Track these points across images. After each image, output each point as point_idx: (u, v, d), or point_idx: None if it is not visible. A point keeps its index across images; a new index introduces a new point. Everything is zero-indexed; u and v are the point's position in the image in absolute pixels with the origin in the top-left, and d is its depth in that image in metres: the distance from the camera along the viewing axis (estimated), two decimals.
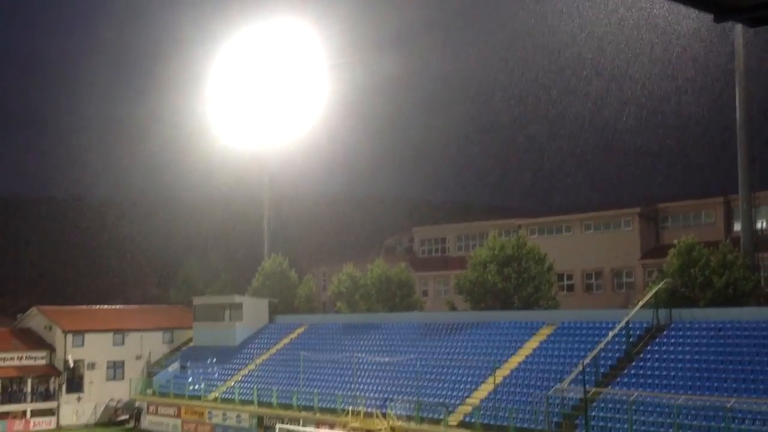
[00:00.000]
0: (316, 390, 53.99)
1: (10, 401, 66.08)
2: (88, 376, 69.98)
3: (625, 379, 41.40)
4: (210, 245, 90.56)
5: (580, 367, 41.34)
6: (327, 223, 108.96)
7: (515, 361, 48.08)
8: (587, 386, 40.20)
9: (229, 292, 76.55)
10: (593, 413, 39.48)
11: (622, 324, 44.43)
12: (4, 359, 67.18)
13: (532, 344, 49.06)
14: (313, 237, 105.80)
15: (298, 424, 50.65)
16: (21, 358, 68.13)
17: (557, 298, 61.51)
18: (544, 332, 49.70)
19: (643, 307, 45.54)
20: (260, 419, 55.59)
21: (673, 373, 40.60)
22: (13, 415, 65.43)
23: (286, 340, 65.78)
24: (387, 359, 53.68)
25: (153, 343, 74.00)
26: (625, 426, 37.69)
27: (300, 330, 66.57)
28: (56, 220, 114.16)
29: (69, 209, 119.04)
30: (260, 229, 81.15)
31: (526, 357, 47.94)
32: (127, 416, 68.71)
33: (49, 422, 66.60)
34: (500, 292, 58.89)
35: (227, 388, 61.55)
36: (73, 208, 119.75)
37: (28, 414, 66.06)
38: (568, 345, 46.90)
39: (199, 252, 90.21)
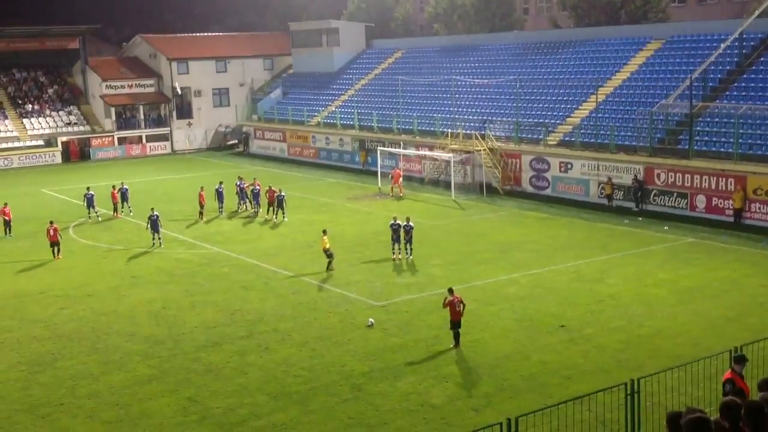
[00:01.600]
0: (415, 114, 54.44)
1: (125, 128, 69.68)
2: (195, 103, 72.54)
3: (735, 93, 39.76)
4: None
5: (687, 82, 39.85)
6: None
7: (619, 78, 46.66)
8: (694, 101, 38.97)
9: (326, 18, 75.64)
10: (698, 128, 38.59)
11: (736, 35, 41.90)
12: (114, 87, 69.96)
13: (638, 60, 47.21)
14: None
15: (399, 147, 51.76)
16: (131, 86, 70.77)
17: (667, 11, 58.20)
18: (652, 47, 47.54)
19: (759, 15, 42.57)
20: (362, 143, 57.03)
21: None
22: (130, 141, 69.29)
23: (384, 65, 65.56)
24: (486, 81, 53.07)
25: (254, 70, 75.29)
26: (731, 140, 36.83)
27: (397, 54, 65.97)
28: None
29: None
30: None
31: (631, 74, 46.36)
32: (236, 141, 71.76)
33: (164, 147, 70.37)
34: (607, 6, 56.10)
35: (328, 113, 62.79)
36: None
37: (144, 139, 69.79)
38: (676, 60, 44.88)
39: None
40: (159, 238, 35.24)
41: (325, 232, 30.88)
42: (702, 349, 20.65)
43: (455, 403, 18.56)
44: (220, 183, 42.76)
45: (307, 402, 18.86)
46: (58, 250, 33.83)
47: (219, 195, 41.95)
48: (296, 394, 19.34)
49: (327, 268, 30.19)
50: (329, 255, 30.22)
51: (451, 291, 22.33)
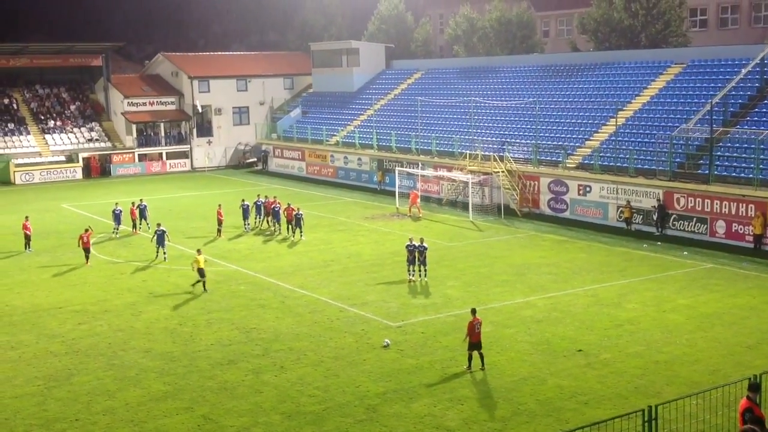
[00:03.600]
0: (433, 134, 54.53)
1: (146, 144, 70.20)
2: (215, 121, 73.05)
3: (755, 118, 39.57)
4: None
5: (708, 107, 39.71)
6: None
7: (639, 102, 46.57)
8: (714, 126, 38.80)
9: (346, 38, 76.07)
10: (718, 153, 38.39)
11: (757, 60, 41.78)
12: (136, 104, 70.59)
13: (658, 84, 47.13)
14: None
15: (417, 168, 51.80)
16: (152, 104, 71.38)
17: (688, 35, 58.09)
18: (672, 71, 47.44)
19: None
20: (380, 162, 57.13)
21: None
22: (151, 158, 69.77)
23: (403, 86, 65.80)
24: (505, 103, 53.11)
25: (274, 89, 75.75)
26: (752, 166, 36.59)
27: (417, 75, 66.21)
28: None
29: None
30: None
31: (651, 98, 46.28)
32: (255, 159, 72.11)
33: (183, 164, 70.81)
34: (627, 30, 56.07)
35: (347, 132, 63.00)
36: None
37: (164, 156, 70.25)
38: (696, 84, 44.76)
39: None
40: (164, 253, 35.62)
41: (199, 251, 31.51)
42: (720, 377, 20.44)
43: (471, 426, 18.42)
44: (243, 200, 43.24)
45: (321, 422, 18.79)
46: (88, 257, 34.96)
47: (245, 211, 42.28)
48: (310, 414, 19.27)
49: (202, 286, 30.61)
50: (202, 275, 30.61)
51: (473, 312, 22.12)
